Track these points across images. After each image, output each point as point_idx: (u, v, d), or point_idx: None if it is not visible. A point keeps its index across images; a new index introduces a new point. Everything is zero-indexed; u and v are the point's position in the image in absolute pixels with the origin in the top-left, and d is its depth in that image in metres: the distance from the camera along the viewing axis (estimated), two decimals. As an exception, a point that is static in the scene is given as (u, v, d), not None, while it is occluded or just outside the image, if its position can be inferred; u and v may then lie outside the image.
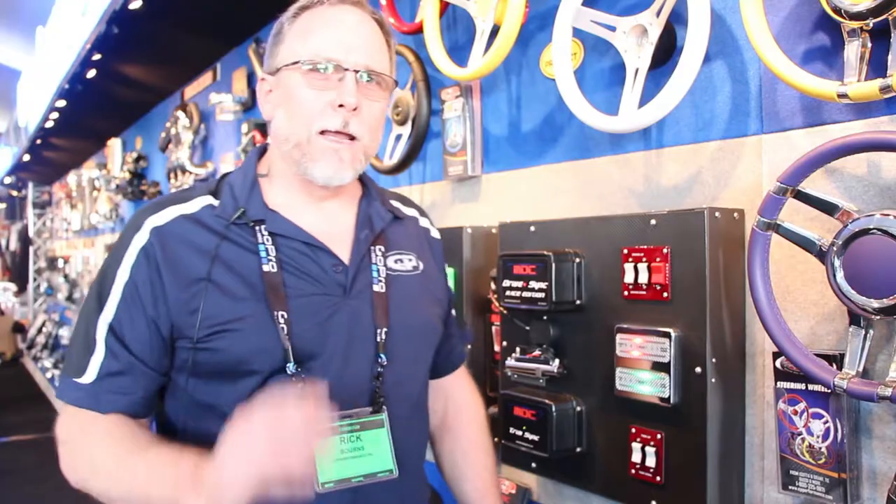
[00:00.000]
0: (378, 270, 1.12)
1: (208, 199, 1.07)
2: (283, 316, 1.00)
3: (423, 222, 1.29)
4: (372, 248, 1.13)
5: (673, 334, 1.23)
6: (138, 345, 1.01)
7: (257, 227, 1.05)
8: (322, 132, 1.04)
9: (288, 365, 1.00)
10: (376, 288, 1.10)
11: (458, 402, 1.33)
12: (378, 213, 1.17)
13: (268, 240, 1.04)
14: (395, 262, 1.16)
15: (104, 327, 1.01)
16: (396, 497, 1.08)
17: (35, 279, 10.86)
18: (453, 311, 1.31)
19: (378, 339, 1.08)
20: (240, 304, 1.00)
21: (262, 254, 1.03)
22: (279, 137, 1.08)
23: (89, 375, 1.00)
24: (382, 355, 1.08)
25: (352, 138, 1.05)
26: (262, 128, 3.03)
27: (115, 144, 5.88)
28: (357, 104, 1.03)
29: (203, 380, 1.02)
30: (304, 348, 1.02)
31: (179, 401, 1.05)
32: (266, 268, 1.02)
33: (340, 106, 1.03)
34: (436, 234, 1.30)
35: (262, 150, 1.17)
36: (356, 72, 1.04)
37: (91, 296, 1.04)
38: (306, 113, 1.04)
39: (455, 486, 1.32)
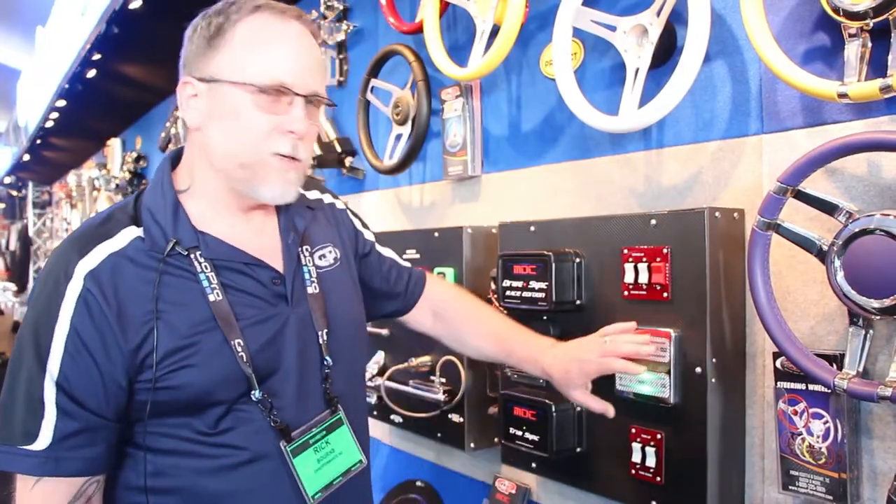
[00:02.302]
0: (309, 272, 1.12)
1: (133, 231, 1.01)
2: (239, 343, 0.99)
3: (326, 199, 1.29)
4: (300, 249, 1.13)
5: (673, 334, 1.23)
6: (93, 400, 0.95)
7: (192, 255, 1.01)
8: (273, 154, 1.01)
9: (253, 392, 1.01)
10: (310, 290, 1.11)
11: (440, 299, 1.41)
12: (298, 211, 1.17)
13: (206, 267, 1.01)
14: (320, 258, 1.17)
15: (51, 386, 0.94)
16: (362, 477, 1.15)
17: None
18: (385, 253, 1.36)
19: (320, 342, 1.09)
20: (192, 337, 0.98)
21: (205, 283, 1.00)
22: (215, 153, 1.03)
23: (42, 441, 0.93)
24: (328, 357, 1.10)
25: (295, 160, 1.04)
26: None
27: (114, 144, 5.88)
28: (306, 131, 1.02)
29: (164, 417, 0.99)
30: (262, 369, 1.02)
31: (140, 440, 1.00)
32: (212, 297, 1.00)
33: (290, 132, 1.01)
34: (339, 205, 1.31)
35: (174, 159, 1.11)
36: (304, 97, 1.02)
37: (26, 354, 0.95)
38: (255, 136, 1.00)
39: (473, 351, 1.40)
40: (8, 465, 0.94)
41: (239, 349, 0.99)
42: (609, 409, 1.23)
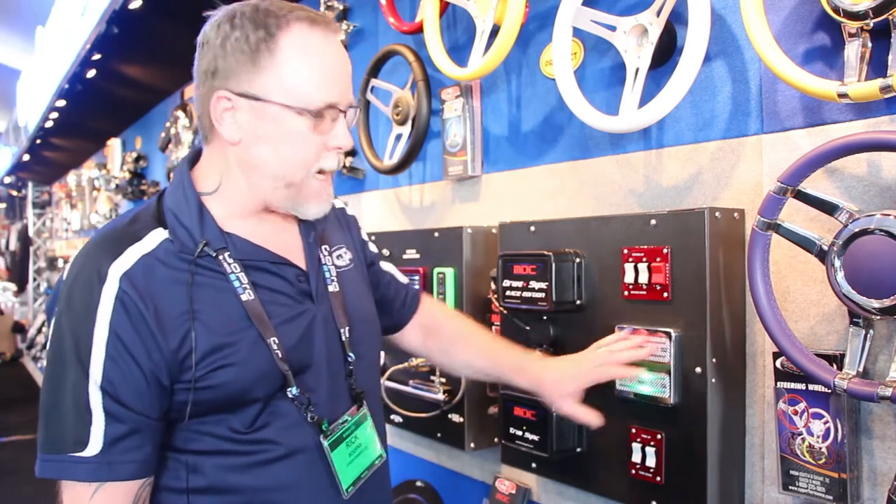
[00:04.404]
0: (329, 270, 1.14)
1: (161, 233, 1.00)
2: (274, 342, 1.00)
3: (337, 203, 1.30)
4: (320, 248, 1.15)
5: (673, 334, 1.23)
6: (138, 400, 0.94)
7: (221, 256, 1.01)
8: (318, 172, 1.04)
9: (290, 389, 1.02)
10: (331, 288, 1.12)
11: (433, 317, 1.43)
12: None
13: (236, 267, 1.02)
14: (338, 257, 1.19)
15: (96, 391, 0.93)
16: (383, 470, 1.18)
17: (35, 279, 10.86)
18: (385, 268, 1.38)
19: (343, 339, 1.11)
20: (229, 336, 0.98)
21: (236, 283, 1.01)
22: (262, 172, 1.02)
23: (94, 446, 0.92)
24: (351, 354, 1.11)
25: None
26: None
27: (114, 144, 5.88)
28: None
29: (203, 416, 0.99)
30: (295, 365, 1.03)
31: (178, 442, 1.01)
32: (244, 297, 1.00)
33: (337, 147, 1.03)
34: (350, 211, 1.33)
35: (192, 161, 1.10)
36: (344, 112, 1.04)
37: (67, 361, 0.94)
38: (308, 157, 1.02)
39: (462, 365, 1.42)
40: (61, 473, 0.93)
41: (275, 347, 1.00)
42: (594, 420, 1.21)
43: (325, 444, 1.05)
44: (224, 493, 1.00)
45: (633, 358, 1.21)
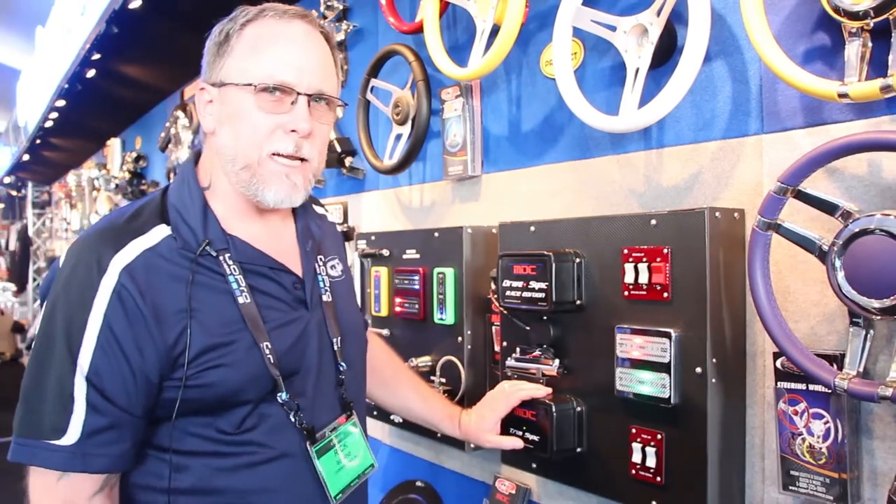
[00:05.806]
0: (323, 280, 1.15)
1: (165, 230, 1.01)
2: (267, 346, 1.00)
3: (330, 217, 1.33)
4: (315, 258, 1.16)
5: (673, 334, 1.22)
6: (123, 395, 0.94)
7: (221, 257, 1.02)
8: (272, 154, 1.02)
9: (279, 394, 1.03)
10: (325, 298, 1.13)
11: (375, 351, 1.47)
12: (314, 220, 1.20)
13: (235, 269, 1.02)
14: (331, 268, 1.20)
15: (81, 381, 0.92)
16: (365, 482, 1.19)
17: (35, 279, 10.85)
18: None
19: (335, 348, 1.12)
20: (224, 336, 0.98)
21: (234, 285, 1.01)
22: (225, 156, 1.04)
23: (71, 435, 0.92)
24: (343, 363, 1.12)
25: (302, 160, 1.04)
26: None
27: (114, 144, 5.88)
28: (310, 129, 1.02)
29: (190, 416, 0.99)
30: (285, 370, 1.04)
31: (164, 441, 1.00)
32: (241, 300, 1.01)
33: (292, 131, 1.01)
34: (339, 228, 1.39)
35: (197, 158, 1.12)
36: (308, 95, 1.02)
37: (56, 346, 0.94)
38: (257, 136, 1.01)
39: (398, 405, 1.51)
40: (33, 459, 0.93)
41: (267, 351, 1.00)
42: (518, 443, 1.39)
43: (312, 450, 1.05)
44: (207, 495, 1.00)
45: (534, 394, 1.39)
